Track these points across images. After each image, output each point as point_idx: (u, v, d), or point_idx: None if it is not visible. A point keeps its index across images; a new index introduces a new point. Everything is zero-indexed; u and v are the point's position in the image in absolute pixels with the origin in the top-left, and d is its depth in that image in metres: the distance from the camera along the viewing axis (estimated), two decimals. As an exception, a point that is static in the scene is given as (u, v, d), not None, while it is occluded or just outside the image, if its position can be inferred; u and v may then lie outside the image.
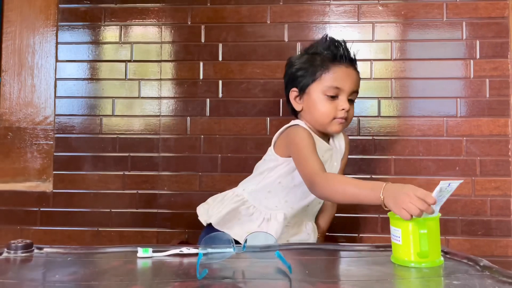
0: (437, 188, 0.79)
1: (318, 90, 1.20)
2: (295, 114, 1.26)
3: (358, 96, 1.48)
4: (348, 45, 1.22)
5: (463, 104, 1.47)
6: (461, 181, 0.85)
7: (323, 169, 1.08)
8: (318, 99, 1.20)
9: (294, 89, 1.24)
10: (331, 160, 1.23)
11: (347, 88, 1.19)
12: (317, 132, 1.21)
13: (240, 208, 1.19)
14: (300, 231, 1.22)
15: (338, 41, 1.21)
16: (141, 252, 0.86)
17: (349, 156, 1.47)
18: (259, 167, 1.25)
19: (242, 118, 1.47)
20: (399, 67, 1.49)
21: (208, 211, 1.22)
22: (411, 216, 0.83)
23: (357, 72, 1.22)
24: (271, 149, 1.23)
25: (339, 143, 1.29)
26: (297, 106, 1.25)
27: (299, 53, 1.31)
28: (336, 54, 1.19)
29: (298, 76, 1.23)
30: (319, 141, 1.20)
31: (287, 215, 1.17)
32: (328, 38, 1.24)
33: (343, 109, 1.17)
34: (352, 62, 1.21)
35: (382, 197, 0.92)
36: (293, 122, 1.21)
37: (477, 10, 1.49)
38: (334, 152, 1.26)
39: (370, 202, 0.96)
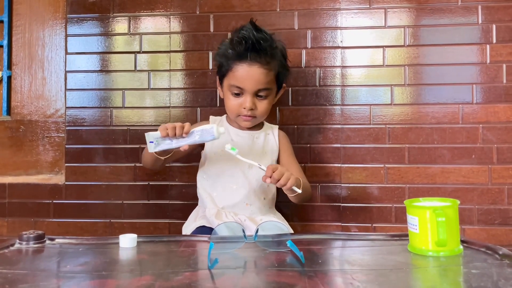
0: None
1: (226, 85, 1.20)
2: None
3: (370, 83, 1.47)
4: (264, 38, 1.14)
5: (479, 90, 1.43)
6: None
7: None
8: (226, 94, 1.21)
9: (217, 76, 1.26)
10: (252, 147, 1.23)
11: (249, 88, 1.16)
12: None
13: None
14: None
15: (244, 37, 1.14)
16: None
17: (362, 145, 1.45)
18: None
19: (253, 108, 1.45)
20: (412, 54, 1.46)
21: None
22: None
23: (265, 68, 1.15)
24: None
25: (273, 134, 1.29)
26: (220, 93, 1.27)
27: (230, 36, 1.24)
28: (239, 52, 1.14)
29: (218, 64, 1.24)
30: (234, 130, 1.25)
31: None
32: (240, 32, 1.16)
33: (245, 108, 1.17)
34: (257, 58, 1.14)
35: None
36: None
37: (493, -7, 1.44)
38: (257, 140, 1.25)
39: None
